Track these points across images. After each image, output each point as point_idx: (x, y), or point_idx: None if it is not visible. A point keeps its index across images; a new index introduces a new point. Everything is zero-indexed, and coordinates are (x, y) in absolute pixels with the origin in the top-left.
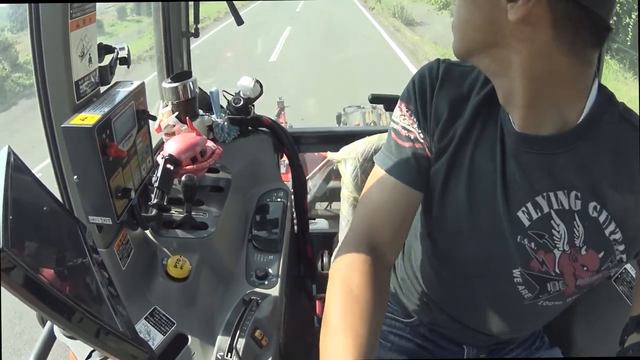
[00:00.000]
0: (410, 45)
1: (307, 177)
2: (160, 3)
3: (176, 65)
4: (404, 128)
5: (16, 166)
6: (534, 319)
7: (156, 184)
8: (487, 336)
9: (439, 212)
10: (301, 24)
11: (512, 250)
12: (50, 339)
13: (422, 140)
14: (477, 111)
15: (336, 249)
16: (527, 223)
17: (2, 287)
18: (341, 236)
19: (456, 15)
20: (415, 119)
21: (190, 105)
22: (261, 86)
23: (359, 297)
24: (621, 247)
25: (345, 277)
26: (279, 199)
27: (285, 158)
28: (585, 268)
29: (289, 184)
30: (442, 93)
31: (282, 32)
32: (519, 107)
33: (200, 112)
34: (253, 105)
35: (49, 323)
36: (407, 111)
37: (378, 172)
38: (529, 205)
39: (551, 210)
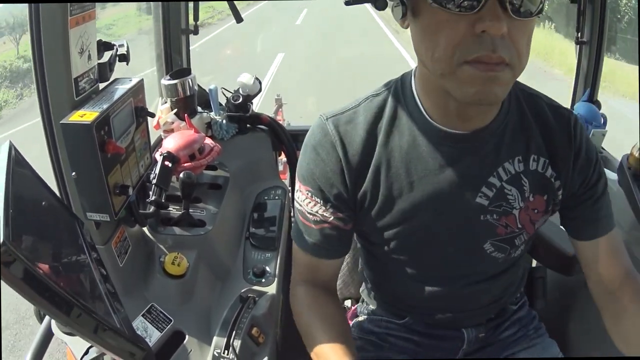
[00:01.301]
0: (387, 17)
1: None
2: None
3: (175, 63)
4: (309, 212)
5: (17, 160)
6: (512, 271)
7: (154, 181)
8: (481, 309)
9: (398, 233)
10: (315, 6)
11: (479, 229)
12: (48, 335)
13: (330, 218)
14: (387, 138)
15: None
16: (486, 203)
17: (2, 285)
18: None
19: None
20: (318, 199)
21: (189, 103)
22: (260, 83)
23: (323, 317)
24: (557, 183)
25: (302, 306)
26: (276, 197)
27: (283, 156)
28: (536, 210)
29: (287, 182)
30: (348, 150)
31: (301, 11)
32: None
33: (199, 109)
34: (252, 103)
35: (46, 319)
36: (309, 193)
37: (295, 247)
38: (484, 188)
39: (502, 183)
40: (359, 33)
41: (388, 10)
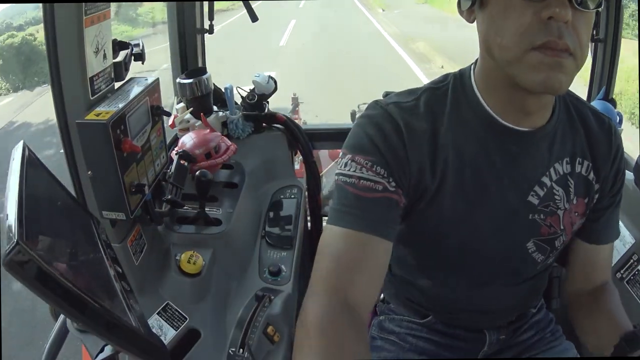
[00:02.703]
0: (366, 3)
1: (321, 174)
2: None
3: (191, 62)
4: (368, 179)
5: (31, 161)
6: (542, 276)
7: (170, 180)
8: (505, 312)
9: (445, 226)
10: None
11: (525, 228)
12: (63, 333)
13: (393, 189)
14: (449, 132)
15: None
16: (536, 202)
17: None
18: None
19: None
20: (382, 169)
21: (205, 101)
22: (275, 83)
23: (343, 343)
24: (596, 187)
25: (322, 325)
26: (292, 196)
27: (299, 155)
28: (576, 213)
29: (303, 180)
30: (412, 138)
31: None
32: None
33: (215, 108)
34: (267, 102)
35: (62, 317)
36: (368, 163)
37: (338, 231)
38: (536, 187)
39: (552, 183)
40: (344, 10)
41: None
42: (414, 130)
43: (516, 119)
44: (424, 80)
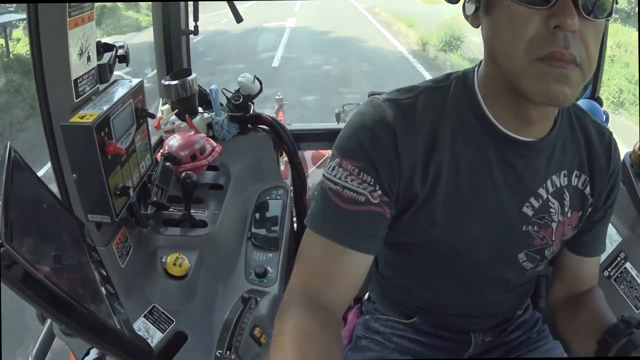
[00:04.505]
0: None
1: (306, 175)
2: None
3: (176, 63)
4: (351, 190)
5: (17, 163)
6: (530, 283)
7: (155, 182)
8: (492, 316)
9: (437, 234)
10: None
11: (518, 239)
12: (50, 337)
13: (376, 201)
14: (448, 136)
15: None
16: (531, 213)
17: (2, 285)
18: None
19: None
20: (369, 177)
21: (190, 103)
22: (261, 83)
23: (316, 340)
24: (590, 201)
25: (296, 326)
26: (278, 197)
27: (284, 156)
28: (569, 226)
29: (289, 181)
30: (406, 138)
31: None
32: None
33: (200, 109)
34: (253, 103)
35: (48, 321)
36: (355, 170)
37: (317, 239)
38: (532, 199)
39: (548, 195)
40: None
41: None
42: (409, 130)
43: (518, 128)
44: (372, 21)
